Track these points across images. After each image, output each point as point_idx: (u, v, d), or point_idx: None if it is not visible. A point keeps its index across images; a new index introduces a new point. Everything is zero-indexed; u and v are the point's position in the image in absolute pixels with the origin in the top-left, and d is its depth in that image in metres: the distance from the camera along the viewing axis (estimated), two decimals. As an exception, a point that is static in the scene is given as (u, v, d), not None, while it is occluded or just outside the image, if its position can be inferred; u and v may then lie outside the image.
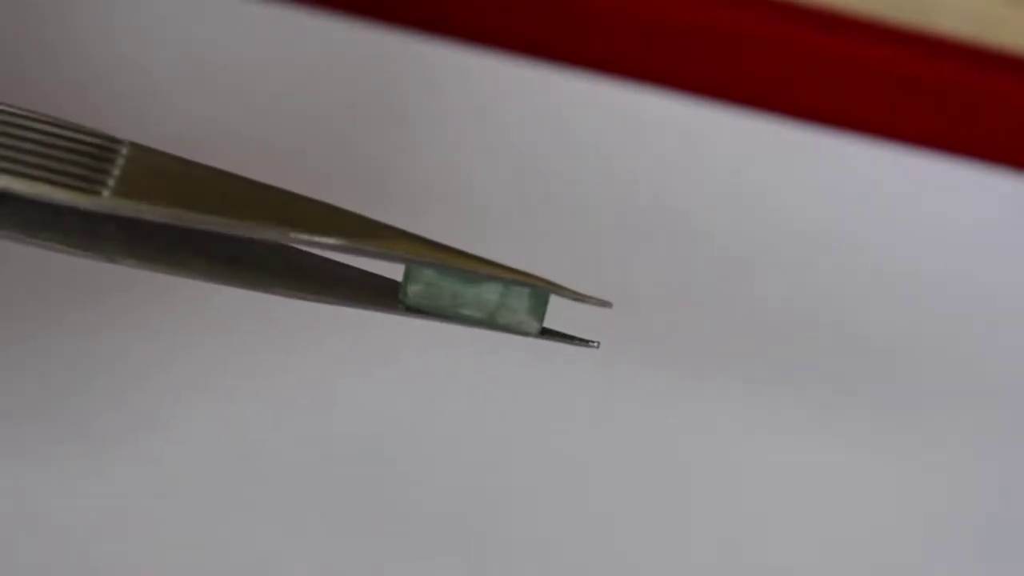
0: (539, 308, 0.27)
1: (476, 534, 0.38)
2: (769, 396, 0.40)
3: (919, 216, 0.43)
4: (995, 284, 0.42)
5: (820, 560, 0.38)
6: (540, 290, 0.26)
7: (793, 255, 0.42)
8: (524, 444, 0.39)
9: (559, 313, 0.28)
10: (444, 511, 0.38)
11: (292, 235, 0.26)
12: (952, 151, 0.44)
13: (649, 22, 0.45)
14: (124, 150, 0.26)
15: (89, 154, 0.26)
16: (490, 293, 0.26)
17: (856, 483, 0.39)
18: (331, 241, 0.26)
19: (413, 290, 0.27)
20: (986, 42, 0.44)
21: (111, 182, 0.25)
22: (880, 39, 0.44)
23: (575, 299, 0.26)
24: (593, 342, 0.27)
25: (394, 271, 0.27)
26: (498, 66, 0.44)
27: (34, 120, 0.26)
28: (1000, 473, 0.40)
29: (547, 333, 0.27)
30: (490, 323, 0.27)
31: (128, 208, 0.25)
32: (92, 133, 0.26)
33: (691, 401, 0.40)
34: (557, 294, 0.27)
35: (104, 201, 0.25)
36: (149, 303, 0.39)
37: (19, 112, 0.26)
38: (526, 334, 0.27)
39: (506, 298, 0.27)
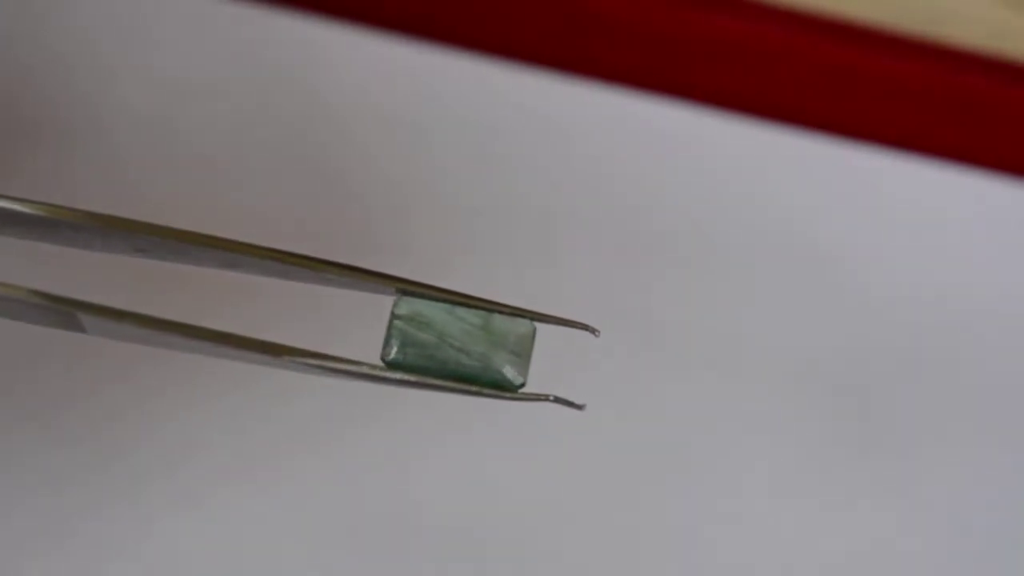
0: (526, 343, 0.26)
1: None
2: (784, 415, 0.40)
3: (930, 225, 0.43)
4: (1001, 288, 0.42)
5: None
6: (525, 320, 0.26)
7: (802, 263, 0.42)
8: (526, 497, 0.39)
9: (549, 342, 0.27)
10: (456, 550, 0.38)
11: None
12: (963, 160, 0.44)
13: (665, 33, 0.45)
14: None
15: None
16: (475, 319, 0.26)
17: (860, 497, 0.39)
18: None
19: (400, 310, 0.26)
20: (998, 52, 0.44)
21: None
22: (892, 49, 0.44)
23: (563, 325, 0.26)
24: (581, 405, 0.26)
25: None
26: (501, 75, 0.44)
27: None
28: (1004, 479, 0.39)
29: (527, 397, 0.26)
30: (476, 361, 0.26)
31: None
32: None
33: (695, 405, 0.40)
34: (544, 322, 0.26)
35: None
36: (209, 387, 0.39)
37: None
38: (512, 380, 0.26)
39: (490, 323, 0.26)
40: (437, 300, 0.26)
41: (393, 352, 0.26)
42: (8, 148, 0.42)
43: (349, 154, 0.43)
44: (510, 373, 0.26)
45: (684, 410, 0.40)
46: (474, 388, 0.26)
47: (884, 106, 0.44)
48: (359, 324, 0.30)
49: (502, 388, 0.26)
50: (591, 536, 0.38)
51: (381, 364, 0.26)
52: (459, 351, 0.26)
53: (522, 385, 0.26)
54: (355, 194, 0.42)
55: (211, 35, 0.44)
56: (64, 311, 0.26)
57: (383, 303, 0.27)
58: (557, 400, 0.26)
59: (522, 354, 0.26)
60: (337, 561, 0.37)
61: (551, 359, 0.27)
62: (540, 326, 0.27)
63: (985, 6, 0.44)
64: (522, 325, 0.26)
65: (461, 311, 0.26)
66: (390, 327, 0.26)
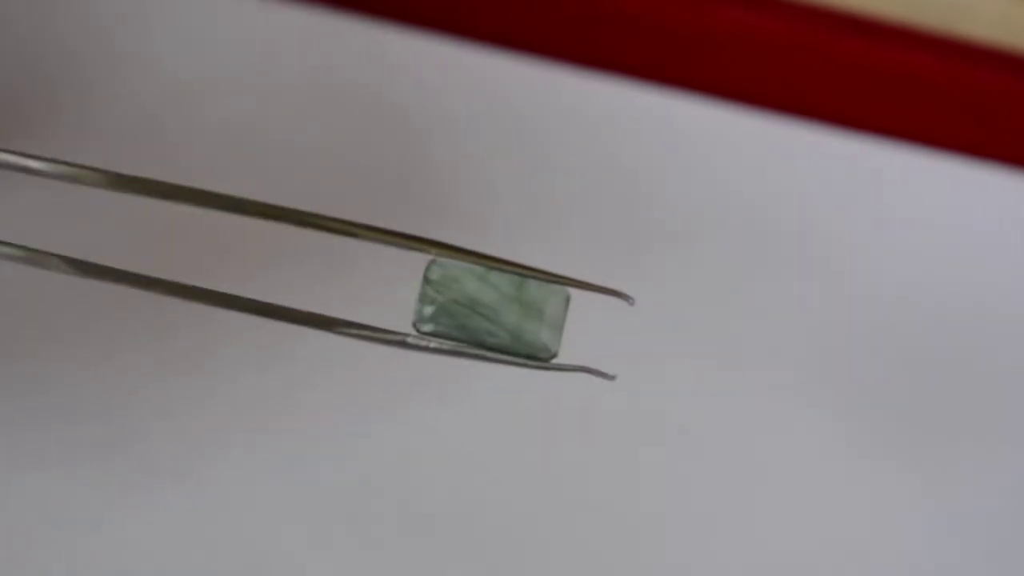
0: (559, 312, 0.26)
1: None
2: (802, 411, 0.40)
3: (942, 219, 0.43)
4: (1017, 283, 0.42)
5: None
6: (558, 285, 0.26)
7: (820, 260, 0.42)
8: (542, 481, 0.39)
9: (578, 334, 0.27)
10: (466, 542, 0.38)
11: None
12: (978, 155, 0.44)
13: (678, 26, 0.45)
14: None
15: None
16: (508, 287, 0.26)
17: (875, 491, 0.39)
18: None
19: (433, 275, 0.26)
20: (1012, 47, 0.44)
21: None
22: (906, 43, 0.44)
23: (596, 291, 0.26)
24: (612, 376, 0.27)
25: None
26: (521, 69, 0.44)
27: None
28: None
29: (557, 367, 0.27)
30: (508, 332, 0.26)
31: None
32: None
33: (710, 395, 0.40)
34: (578, 287, 0.26)
35: None
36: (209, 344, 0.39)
37: None
38: (543, 351, 0.26)
39: (523, 291, 0.26)
40: (471, 264, 0.26)
41: (425, 320, 0.26)
42: (29, 109, 0.42)
43: (374, 140, 0.43)
44: (541, 345, 0.26)
45: (701, 398, 0.40)
46: (506, 357, 0.26)
47: (897, 100, 0.45)
48: (390, 280, 0.29)
49: (533, 357, 0.26)
50: (597, 518, 0.38)
51: (413, 332, 0.26)
52: (491, 321, 0.26)
53: (554, 355, 0.26)
54: (383, 180, 0.42)
55: (250, 34, 0.44)
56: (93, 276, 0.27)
57: (415, 258, 0.27)
58: (588, 371, 0.27)
59: (555, 324, 0.26)
60: (335, 536, 0.37)
61: (582, 328, 0.27)
62: (573, 292, 0.27)
63: (999, 1, 0.44)
64: (555, 292, 0.26)
65: (494, 277, 0.26)
66: (422, 294, 0.26)
